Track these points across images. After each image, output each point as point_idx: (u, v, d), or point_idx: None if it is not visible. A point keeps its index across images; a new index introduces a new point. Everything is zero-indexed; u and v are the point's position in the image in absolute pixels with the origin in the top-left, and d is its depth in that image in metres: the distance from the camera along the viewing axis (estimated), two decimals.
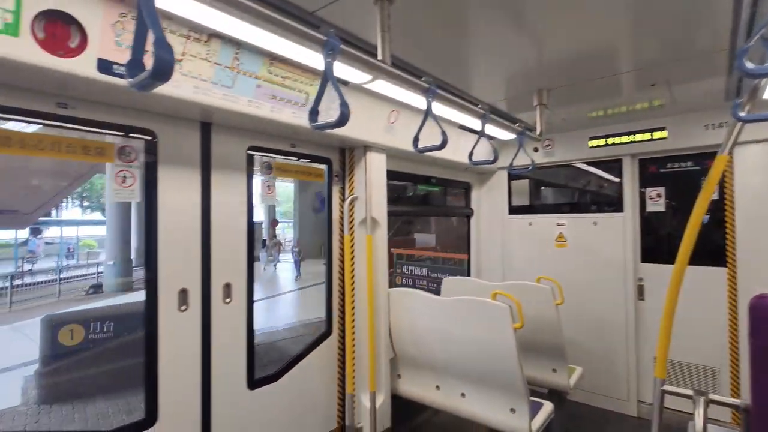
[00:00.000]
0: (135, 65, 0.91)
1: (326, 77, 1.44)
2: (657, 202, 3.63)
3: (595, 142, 3.80)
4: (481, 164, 2.85)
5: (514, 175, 4.32)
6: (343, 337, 2.98)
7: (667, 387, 1.71)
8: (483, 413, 2.48)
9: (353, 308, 2.91)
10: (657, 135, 3.49)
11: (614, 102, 3.16)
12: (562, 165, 4.09)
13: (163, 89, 1.65)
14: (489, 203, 4.50)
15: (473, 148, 2.61)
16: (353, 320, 2.90)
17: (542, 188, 4.53)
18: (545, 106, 2.92)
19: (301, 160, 2.81)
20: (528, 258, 4.21)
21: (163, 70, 0.84)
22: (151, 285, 2.02)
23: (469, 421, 2.56)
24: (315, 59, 1.70)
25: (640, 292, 3.67)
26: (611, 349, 3.73)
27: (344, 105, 1.41)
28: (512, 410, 2.35)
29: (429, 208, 4.64)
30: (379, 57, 1.71)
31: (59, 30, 1.40)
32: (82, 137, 1.83)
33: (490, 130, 2.89)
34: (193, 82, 1.76)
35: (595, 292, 3.80)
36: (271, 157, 2.61)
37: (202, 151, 2.22)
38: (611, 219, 3.78)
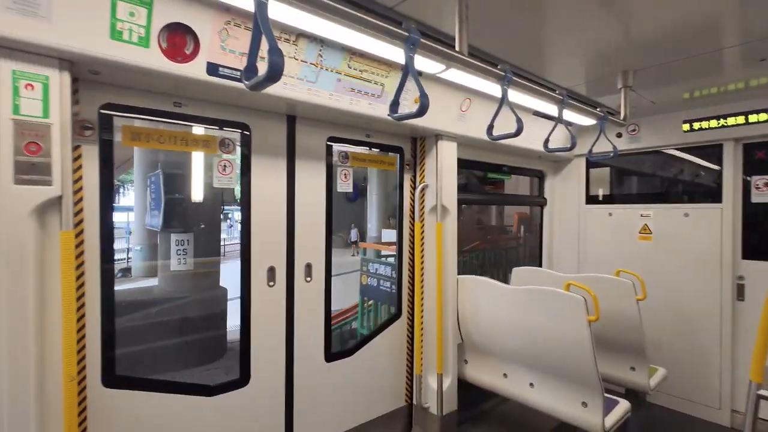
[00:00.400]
0: (250, 69, 1.06)
1: (407, 70, 1.51)
2: (764, 192, 3.23)
3: (689, 126, 3.46)
4: (558, 151, 2.75)
5: (593, 162, 4.08)
6: (412, 320, 3.09)
7: (763, 392, 1.57)
8: (552, 405, 2.45)
9: (422, 293, 3.01)
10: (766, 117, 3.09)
11: (714, 81, 2.85)
12: (650, 151, 3.78)
13: None
14: (564, 192, 4.31)
15: (549, 134, 2.54)
16: (422, 304, 3.00)
17: (624, 177, 4.22)
18: (631, 89, 2.73)
19: (373, 149, 2.94)
20: (606, 250, 3.98)
21: (276, 73, 0.97)
22: (245, 263, 2.28)
23: (537, 411, 2.55)
24: (392, 52, 1.78)
25: (740, 291, 3.31)
26: (702, 352, 3.43)
27: (424, 96, 1.48)
28: (584, 404, 2.30)
29: (499, 197, 4.55)
30: (457, 48, 1.74)
31: (178, 39, 1.63)
32: (188, 131, 2.11)
33: (569, 115, 2.77)
34: (283, 79, 1.94)
35: (684, 290, 3.50)
36: (348, 146, 2.77)
37: (287, 142, 2.43)
38: (706, 210, 3.43)
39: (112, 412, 1.85)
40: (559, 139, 3.58)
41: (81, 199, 1.73)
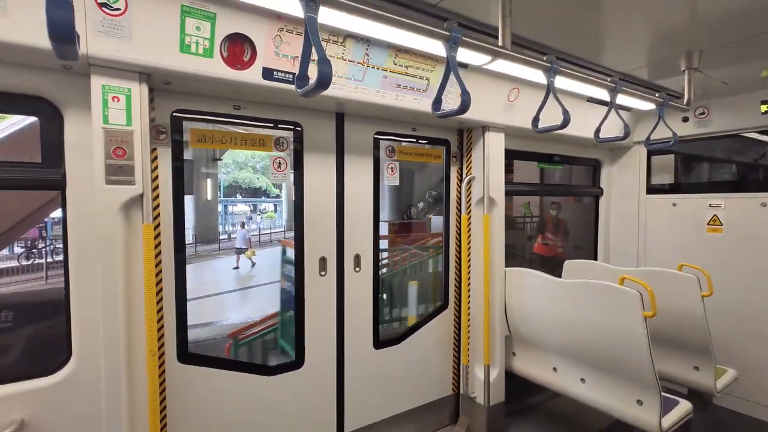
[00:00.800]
0: (302, 78, 1.15)
1: (449, 68, 1.54)
2: None
3: None
4: (610, 141, 2.63)
5: (655, 150, 3.82)
6: (458, 311, 3.13)
7: None
8: (605, 402, 2.39)
9: (469, 285, 3.02)
10: None
11: None
12: (722, 136, 3.48)
13: None
14: (622, 182, 4.08)
15: (600, 123, 2.44)
16: (469, 296, 3.02)
17: (692, 164, 3.91)
18: (697, 70, 2.54)
19: (420, 142, 2.98)
20: (669, 243, 3.73)
21: (325, 82, 1.06)
22: (299, 253, 2.43)
23: (589, 408, 2.49)
24: (436, 46, 1.81)
25: None
26: None
27: (465, 93, 1.50)
28: (639, 402, 2.22)
29: (551, 188, 4.40)
30: (500, 42, 1.74)
31: (237, 48, 1.77)
32: (247, 132, 2.28)
33: (626, 101, 2.64)
34: (332, 79, 2.03)
35: (759, 287, 3.21)
36: (394, 140, 2.83)
37: (337, 138, 2.54)
38: None
39: (185, 385, 2.08)
40: (616, 126, 3.41)
41: (158, 196, 1.95)
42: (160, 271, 1.97)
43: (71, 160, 1.74)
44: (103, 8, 1.49)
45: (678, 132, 2.94)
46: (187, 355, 2.09)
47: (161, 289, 1.98)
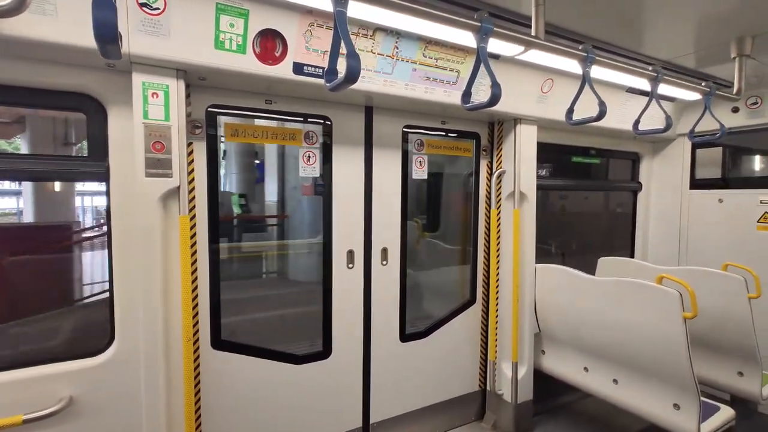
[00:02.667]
0: (331, 72, 1.16)
1: (479, 59, 1.51)
2: None
3: None
4: (650, 134, 2.51)
5: (700, 143, 3.61)
6: (486, 307, 3.09)
7: None
8: (639, 404, 2.31)
9: (497, 280, 2.98)
10: None
11: None
12: None
13: None
14: (663, 176, 3.88)
15: (640, 115, 2.32)
16: (497, 292, 2.98)
17: (742, 157, 3.66)
18: (749, 57, 2.37)
19: (449, 135, 2.94)
20: (714, 241, 3.53)
21: (354, 76, 1.07)
22: (327, 245, 2.47)
23: (622, 410, 2.41)
24: (467, 37, 1.77)
25: None
26: None
27: (496, 86, 1.47)
28: (676, 406, 2.13)
29: (586, 183, 4.23)
30: (533, 32, 1.68)
31: (269, 44, 1.80)
32: (279, 126, 2.32)
33: (669, 90, 2.50)
34: (361, 72, 2.04)
35: None
36: (423, 134, 2.81)
37: (365, 131, 2.55)
38: None
39: (218, 370, 2.17)
40: (658, 117, 3.24)
41: (193, 189, 2.03)
42: (195, 261, 2.05)
43: (114, 153, 1.83)
44: (144, 8, 1.55)
45: (726, 123, 2.77)
46: (220, 341, 2.17)
47: (196, 278, 2.06)
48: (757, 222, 3.28)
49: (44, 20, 1.44)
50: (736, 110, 3.34)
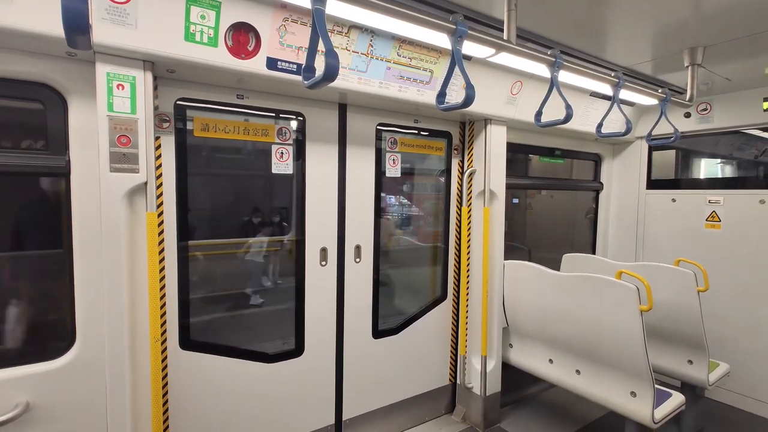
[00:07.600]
0: (309, 69, 1.16)
1: (454, 61, 1.54)
2: None
3: None
4: (611, 136, 2.65)
5: (656, 145, 3.83)
6: (457, 303, 3.16)
7: None
8: (599, 393, 2.44)
9: (468, 277, 3.05)
10: None
11: None
12: (723, 132, 3.48)
13: None
14: (622, 177, 4.09)
15: (603, 118, 2.44)
16: (467, 288, 3.05)
17: (693, 160, 3.92)
18: (700, 66, 2.54)
19: (422, 134, 2.98)
20: (668, 239, 3.76)
21: (333, 75, 1.07)
22: (300, 243, 2.45)
23: (583, 399, 2.54)
24: (441, 39, 1.81)
25: None
26: None
27: (470, 87, 1.51)
28: (633, 394, 2.26)
29: (551, 182, 4.41)
30: (505, 36, 1.74)
31: (242, 37, 1.77)
32: (250, 122, 2.28)
33: (629, 95, 2.64)
34: None
35: (756, 283, 3.25)
36: (396, 132, 2.83)
37: (339, 128, 2.54)
38: None
39: (186, 371, 2.11)
40: (619, 121, 3.41)
41: (161, 185, 1.96)
42: (163, 259, 1.99)
43: (75, 147, 1.75)
44: None
45: (680, 128, 2.95)
46: (188, 342, 2.12)
47: (164, 277, 2.00)
48: (705, 221, 3.52)
49: None
50: (688, 116, 3.57)
